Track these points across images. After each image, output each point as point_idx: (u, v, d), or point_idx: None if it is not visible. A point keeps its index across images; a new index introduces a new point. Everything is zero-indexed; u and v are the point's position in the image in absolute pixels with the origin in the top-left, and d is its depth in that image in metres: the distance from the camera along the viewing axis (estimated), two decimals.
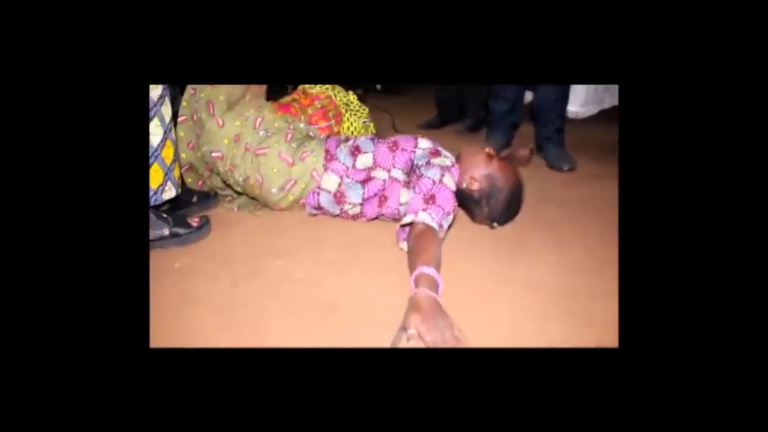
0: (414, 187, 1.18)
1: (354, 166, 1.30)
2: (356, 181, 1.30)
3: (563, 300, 0.98)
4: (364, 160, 1.30)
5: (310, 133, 1.48)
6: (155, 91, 1.11)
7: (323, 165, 1.31)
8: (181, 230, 1.22)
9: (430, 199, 1.12)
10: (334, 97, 2.08)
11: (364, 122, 2.15)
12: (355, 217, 1.36)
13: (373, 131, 2.23)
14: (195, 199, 1.42)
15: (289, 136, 1.35)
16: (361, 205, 1.31)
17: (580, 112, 2.56)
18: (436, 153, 1.28)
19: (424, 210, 1.09)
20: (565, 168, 1.80)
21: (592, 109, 2.59)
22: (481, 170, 1.26)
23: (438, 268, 0.96)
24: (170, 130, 1.18)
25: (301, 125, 1.50)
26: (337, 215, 1.36)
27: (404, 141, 1.31)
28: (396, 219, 1.31)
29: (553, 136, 1.92)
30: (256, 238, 1.27)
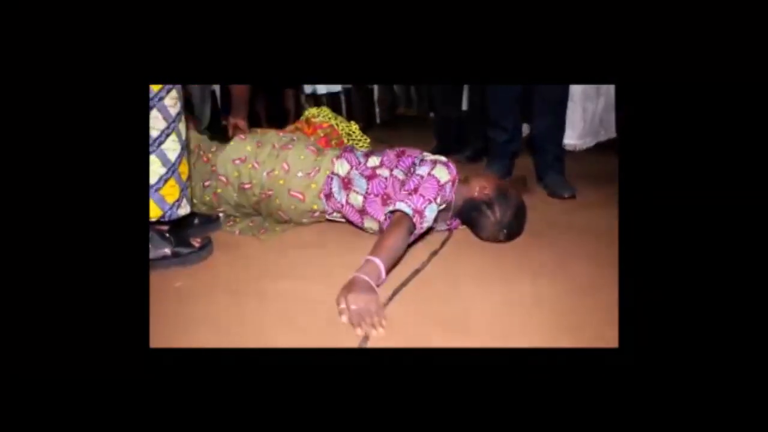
0: (405, 185, 1.25)
1: (364, 164, 1.39)
2: (363, 175, 1.36)
3: (566, 317, 0.97)
4: (374, 160, 1.40)
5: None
6: (174, 108, 1.13)
7: (340, 153, 1.42)
8: (183, 250, 1.22)
9: (413, 191, 1.19)
10: (336, 127, 2.12)
11: None
12: (360, 214, 1.37)
13: None
14: (197, 221, 1.43)
15: (310, 144, 1.49)
16: (364, 198, 1.34)
17: (578, 145, 2.61)
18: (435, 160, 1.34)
19: (402, 200, 1.17)
20: (566, 195, 1.81)
21: (589, 142, 2.64)
22: (491, 182, 1.36)
23: (389, 259, 1.06)
24: (185, 146, 1.20)
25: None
26: (342, 211, 1.40)
27: (411, 150, 1.41)
28: None
29: (553, 164, 1.94)
30: (257, 259, 1.27)
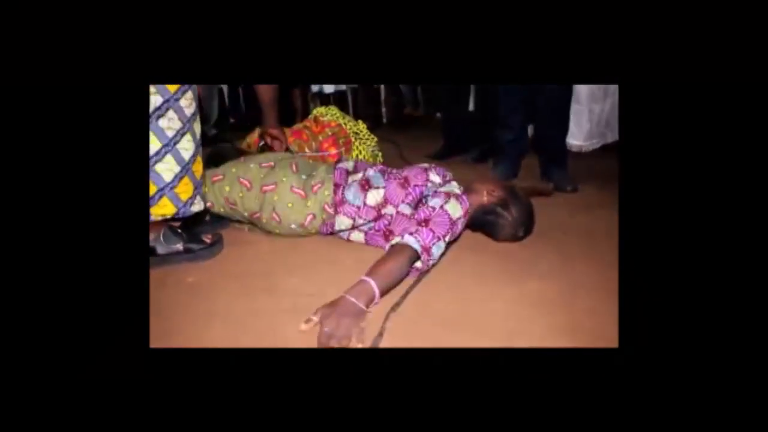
0: (415, 215, 1.19)
1: (365, 203, 1.28)
2: (368, 220, 1.30)
3: (569, 317, 0.98)
4: (375, 197, 1.28)
5: (310, 162, 1.50)
6: (189, 109, 1.16)
7: (333, 203, 1.30)
8: (194, 246, 1.25)
9: (422, 222, 1.12)
10: (344, 126, 2.14)
11: (372, 151, 2.20)
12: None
13: (381, 160, 2.27)
14: (208, 217, 1.45)
15: (295, 166, 1.36)
16: (366, 234, 1.33)
17: (584, 146, 2.61)
18: (442, 186, 1.30)
19: (411, 234, 1.09)
20: (568, 189, 1.90)
21: (596, 143, 2.64)
22: (498, 185, 1.35)
23: (385, 284, 1.00)
24: (199, 146, 1.22)
25: (307, 153, 1.53)
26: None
27: (415, 176, 1.30)
28: None
29: (556, 160, 2.01)
30: (268, 256, 1.29)
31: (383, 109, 3.73)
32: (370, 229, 1.32)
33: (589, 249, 1.33)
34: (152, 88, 1.08)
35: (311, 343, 0.89)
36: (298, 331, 0.92)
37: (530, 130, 2.38)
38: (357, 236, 1.35)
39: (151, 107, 1.08)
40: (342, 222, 1.31)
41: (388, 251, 1.08)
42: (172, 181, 1.15)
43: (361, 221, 1.30)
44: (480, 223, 1.34)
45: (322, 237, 1.40)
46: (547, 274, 1.19)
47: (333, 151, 2.02)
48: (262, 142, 1.93)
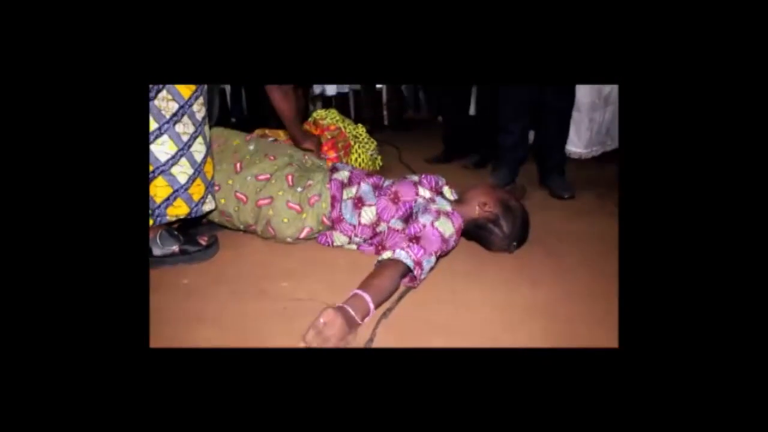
0: (405, 230, 1.20)
1: (360, 223, 1.30)
2: (364, 239, 1.32)
3: (562, 325, 0.99)
4: (369, 215, 1.29)
5: (308, 163, 1.49)
6: (200, 113, 1.20)
7: (330, 218, 1.32)
8: (190, 248, 1.26)
9: (413, 239, 1.13)
10: (344, 129, 2.15)
11: (371, 155, 2.21)
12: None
13: (380, 164, 2.28)
14: (205, 219, 1.46)
15: (291, 179, 1.35)
16: (358, 246, 1.36)
17: (584, 153, 2.62)
18: (432, 201, 1.28)
19: (403, 248, 1.09)
20: (566, 196, 1.91)
21: (596, 151, 2.65)
22: (491, 196, 1.32)
23: (378, 299, 1.00)
24: (210, 146, 1.26)
25: (304, 157, 1.52)
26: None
27: (405, 191, 1.29)
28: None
29: (556, 167, 2.02)
30: (263, 259, 1.30)
31: (384, 112, 3.73)
32: (363, 242, 1.34)
33: (583, 256, 1.34)
34: (168, 95, 1.12)
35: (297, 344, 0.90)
36: (287, 336, 0.93)
37: (531, 136, 2.39)
38: (350, 246, 1.37)
39: (169, 114, 1.13)
40: (339, 238, 1.34)
41: (381, 266, 1.08)
42: (186, 182, 1.19)
43: (357, 239, 1.32)
44: (472, 235, 1.35)
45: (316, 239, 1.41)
46: (540, 280, 1.19)
47: (332, 154, 2.02)
48: None
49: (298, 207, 1.32)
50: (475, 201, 1.32)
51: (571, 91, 1.96)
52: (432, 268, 1.16)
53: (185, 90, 1.14)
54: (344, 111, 3.01)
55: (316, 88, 3.50)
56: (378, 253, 1.30)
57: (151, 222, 1.17)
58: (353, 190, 1.33)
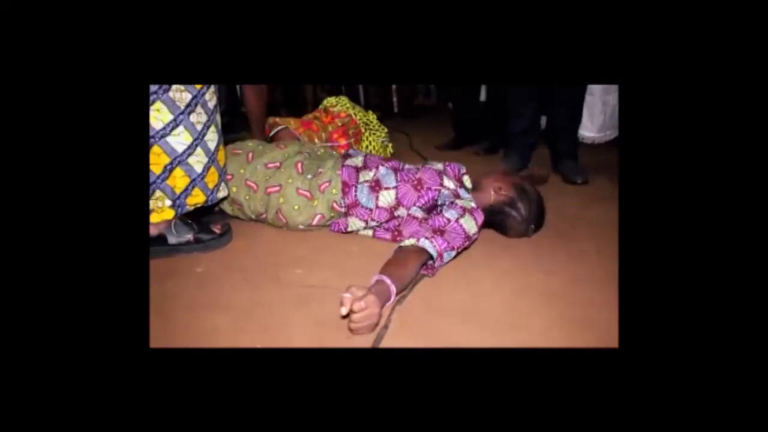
0: (429, 221, 1.18)
1: (377, 205, 1.28)
2: (380, 222, 1.31)
3: (577, 310, 0.98)
4: (387, 198, 1.28)
5: (320, 152, 1.49)
6: (212, 102, 1.21)
7: (344, 204, 1.30)
8: (204, 236, 1.26)
9: (437, 232, 1.12)
10: (354, 116, 2.14)
11: (382, 142, 2.20)
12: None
13: (392, 151, 2.27)
14: (218, 208, 1.47)
15: (300, 166, 1.35)
16: (374, 230, 1.35)
17: (597, 138, 2.58)
18: (458, 196, 1.27)
19: (427, 238, 1.08)
20: (579, 181, 1.89)
21: (609, 135, 2.61)
22: (505, 180, 1.33)
23: (400, 288, 0.99)
24: (221, 134, 1.27)
25: (315, 144, 1.52)
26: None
27: (429, 179, 1.27)
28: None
29: (568, 152, 2.00)
30: (276, 247, 1.30)
31: (394, 99, 3.71)
32: (379, 227, 1.33)
33: (597, 242, 1.33)
34: (181, 86, 1.12)
35: (313, 335, 0.91)
36: (301, 323, 0.93)
37: (543, 121, 2.36)
38: (366, 232, 1.36)
39: (183, 104, 1.13)
40: (354, 223, 1.32)
41: (405, 253, 1.06)
42: (203, 171, 1.20)
43: (373, 223, 1.31)
44: (489, 222, 1.33)
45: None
46: (553, 267, 1.19)
47: (343, 141, 2.02)
48: (272, 133, 1.94)
49: (308, 194, 1.32)
50: (490, 187, 1.32)
51: None
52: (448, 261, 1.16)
53: None
54: (354, 99, 2.99)
55: None
56: (395, 239, 1.30)
57: (173, 213, 1.20)
58: (370, 173, 1.32)
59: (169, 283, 1.09)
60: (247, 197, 1.36)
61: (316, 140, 1.95)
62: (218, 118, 1.26)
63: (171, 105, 1.12)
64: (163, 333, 0.89)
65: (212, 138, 1.22)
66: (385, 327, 0.92)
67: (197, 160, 1.18)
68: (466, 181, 1.36)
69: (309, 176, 1.34)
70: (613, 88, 2.49)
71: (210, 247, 1.26)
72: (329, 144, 1.97)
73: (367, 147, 2.12)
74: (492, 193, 1.31)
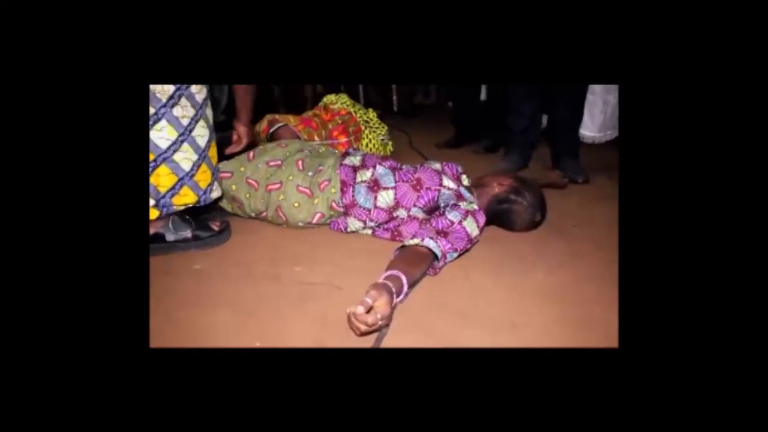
0: (431, 221, 1.18)
1: (375, 206, 1.28)
2: (378, 223, 1.30)
3: (578, 309, 0.98)
4: (386, 199, 1.27)
5: (321, 150, 1.48)
6: (200, 94, 1.15)
7: (343, 204, 1.30)
8: (202, 233, 1.25)
9: (441, 233, 1.12)
10: (354, 114, 2.13)
11: (382, 140, 2.19)
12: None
13: (391, 149, 2.26)
14: (217, 205, 1.45)
15: (301, 163, 1.35)
16: (373, 230, 1.34)
17: (597, 137, 2.57)
18: (460, 196, 1.25)
19: (432, 238, 1.07)
20: (580, 180, 1.88)
21: (610, 135, 2.60)
22: (506, 176, 1.36)
23: (411, 284, 0.98)
24: (213, 130, 1.22)
25: (317, 142, 1.52)
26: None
27: (428, 179, 1.26)
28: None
29: (569, 150, 1.99)
30: (275, 244, 1.29)
31: (394, 97, 3.70)
32: (378, 227, 1.33)
33: (598, 241, 1.32)
34: None
35: (312, 333, 0.90)
36: (301, 320, 0.92)
37: (544, 120, 2.35)
38: (365, 232, 1.36)
39: (165, 97, 1.07)
40: (353, 224, 1.32)
41: (413, 252, 1.06)
42: (191, 169, 1.15)
43: (372, 224, 1.31)
44: (496, 213, 1.32)
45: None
46: (554, 265, 1.18)
47: (343, 139, 2.01)
48: (271, 130, 1.93)
49: (308, 191, 1.31)
50: (493, 181, 1.34)
51: None
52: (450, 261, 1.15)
53: None
54: (353, 96, 2.98)
55: None
56: (394, 239, 1.29)
57: (157, 213, 1.14)
58: (367, 173, 1.31)
59: (167, 281, 1.08)
60: (248, 195, 1.35)
61: (316, 138, 1.94)
62: (209, 112, 1.19)
63: (151, 98, 1.06)
64: (160, 330, 0.88)
65: (201, 133, 1.15)
66: (387, 326, 0.91)
67: (184, 157, 1.13)
68: (465, 180, 1.36)
69: (310, 173, 1.33)
70: (614, 88, 2.48)
71: (208, 245, 1.25)
72: (329, 141, 1.96)
73: (367, 145, 2.11)
74: (495, 185, 1.32)
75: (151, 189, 1.11)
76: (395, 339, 0.88)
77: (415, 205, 1.26)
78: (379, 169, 1.31)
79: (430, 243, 1.06)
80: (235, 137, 1.51)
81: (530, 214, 1.32)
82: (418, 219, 1.26)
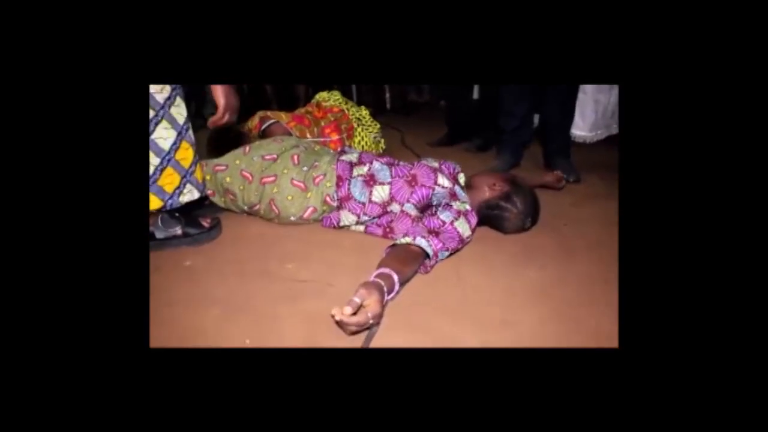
0: (423, 220, 1.17)
1: (370, 200, 1.28)
2: (372, 217, 1.30)
3: (566, 307, 0.98)
4: (381, 193, 1.27)
5: (316, 148, 1.48)
6: (161, 94, 1.09)
7: (338, 198, 1.30)
8: (192, 230, 1.24)
9: (432, 232, 1.11)
10: (347, 111, 2.12)
11: (375, 137, 2.19)
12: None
13: (383, 147, 2.26)
14: (207, 201, 1.44)
15: (296, 158, 1.36)
16: (367, 226, 1.33)
17: (588, 137, 2.58)
18: (454, 195, 1.26)
19: (423, 237, 1.08)
20: (571, 179, 1.88)
21: (601, 134, 2.61)
22: (498, 176, 1.34)
23: (402, 282, 0.98)
24: (186, 131, 1.17)
25: (310, 139, 1.51)
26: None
27: (423, 175, 1.27)
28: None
29: (560, 149, 2.00)
30: (266, 241, 1.29)
31: (387, 95, 3.69)
32: (371, 222, 1.32)
33: (590, 240, 1.32)
34: None
35: (303, 330, 0.89)
36: (292, 317, 0.92)
37: (536, 119, 2.36)
38: (357, 227, 1.35)
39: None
40: (347, 217, 1.31)
41: (405, 250, 1.06)
42: (153, 174, 1.10)
43: (365, 218, 1.30)
44: (486, 218, 1.32)
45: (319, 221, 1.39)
46: (546, 264, 1.18)
47: (335, 136, 2.00)
48: (263, 127, 1.92)
49: (302, 185, 1.31)
50: (484, 183, 1.32)
51: None
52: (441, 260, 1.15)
53: None
54: (346, 94, 2.97)
55: None
56: (386, 235, 1.29)
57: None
58: (364, 168, 1.32)
59: (157, 278, 1.07)
60: (242, 187, 1.35)
61: (308, 135, 1.93)
62: (175, 112, 1.13)
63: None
64: (150, 328, 0.86)
65: (164, 135, 1.10)
66: (377, 324, 0.91)
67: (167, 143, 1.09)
68: (461, 179, 1.36)
69: (305, 168, 1.34)
70: (605, 88, 2.49)
71: (198, 241, 1.24)
72: (321, 139, 1.96)
73: (359, 142, 2.10)
74: (487, 189, 1.31)
75: None
76: (385, 337, 0.88)
77: (408, 201, 1.26)
78: (376, 164, 1.33)
79: (421, 242, 1.06)
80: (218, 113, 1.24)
81: (520, 221, 1.31)
82: (410, 216, 1.26)
